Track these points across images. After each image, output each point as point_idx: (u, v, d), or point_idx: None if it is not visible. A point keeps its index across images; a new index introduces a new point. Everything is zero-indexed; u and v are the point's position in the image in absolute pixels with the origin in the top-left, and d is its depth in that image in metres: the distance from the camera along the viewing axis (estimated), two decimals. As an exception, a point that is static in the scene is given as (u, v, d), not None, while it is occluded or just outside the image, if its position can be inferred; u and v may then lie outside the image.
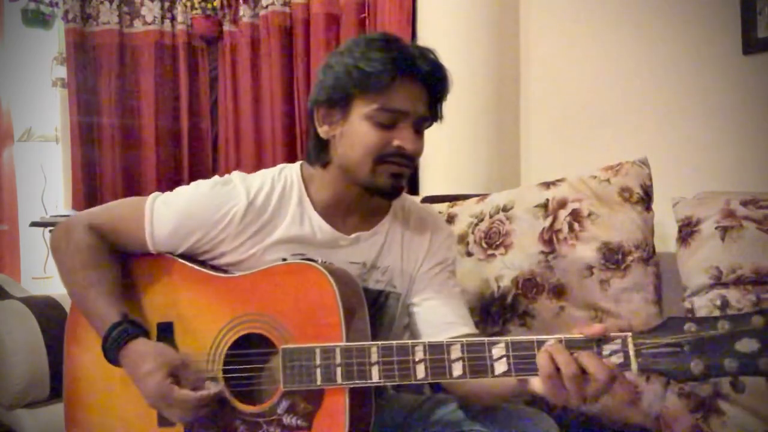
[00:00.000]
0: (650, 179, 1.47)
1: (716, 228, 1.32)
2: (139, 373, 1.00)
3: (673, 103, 1.86)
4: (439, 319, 1.13)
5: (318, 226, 1.10)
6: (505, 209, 1.56)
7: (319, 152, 1.10)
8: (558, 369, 0.80)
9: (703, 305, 1.30)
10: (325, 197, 1.11)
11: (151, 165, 3.01)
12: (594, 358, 0.79)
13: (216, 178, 1.13)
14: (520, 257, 1.50)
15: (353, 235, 1.12)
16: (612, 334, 0.80)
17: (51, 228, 2.83)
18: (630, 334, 0.80)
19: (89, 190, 3.00)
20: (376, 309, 1.13)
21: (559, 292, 1.45)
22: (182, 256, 1.11)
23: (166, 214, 1.09)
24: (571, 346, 0.81)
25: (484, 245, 1.55)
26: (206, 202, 1.08)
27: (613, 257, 1.42)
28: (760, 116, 1.69)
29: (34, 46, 3.22)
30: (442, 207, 1.69)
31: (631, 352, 0.79)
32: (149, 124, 3.02)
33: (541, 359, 0.81)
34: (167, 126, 3.03)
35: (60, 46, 3.12)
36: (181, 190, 1.13)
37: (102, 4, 3.01)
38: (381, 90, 1.01)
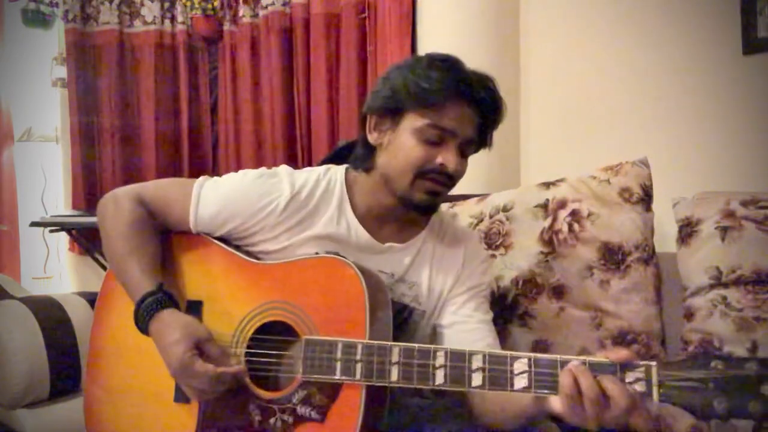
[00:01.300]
0: (650, 179, 1.47)
1: (716, 228, 1.32)
2: (166, 342, 1.01)
3: (673, 103, 1.86)
4: (467, 344, 1.10)
5: (354, 229, 1.12)
6: (505, 209, 1.56)
7: (364, 157, 1.13)
8: (580, 390, 0.79)
9: (703, 305, 1.30)
10: (365, 202, 1.14)
11: (151, 165, 3.02)
12: (617, 384, 0.79)
13: (263, 169, 1.16)
14: (520, 257, 1.50)
15: (386, 245, 1.14)
16: (637, 362, 0.80)
17: (51, 228, 2.83)
18: (655, 363, 0.79)
19: (89, 190, 3.00)
20: (398, 323, 1.13)
21: (559, 292, 1.45)
22: (219, 239, 1.14)
23: (212, 197, 1.13)
24: (594, 369, 0.81)
25: (484, 245, 1.55)
26: (251, 191, 1.11)
27: (613, 257, 1.42)
28: (760, 116, 1.69)
29: (34, 46, 3.22)
30: (443, 207, 1.69)
31: (654, 382, 0.78)
32: (149, 124, 3.02)
33: (564, 379, 0.81)
34: (167, 126, 3.03)
35: (60, 46, 3.12)
36: (229, 177, 1.16)
37: (102, 4, 3.01)
38: (433, 107, 1.04)
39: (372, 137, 1.11)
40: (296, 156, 2.81)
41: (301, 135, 2.81)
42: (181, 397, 1.07)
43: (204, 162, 3.07)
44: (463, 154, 1.09)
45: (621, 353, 0.81)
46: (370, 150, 1.12)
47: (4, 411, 1.56)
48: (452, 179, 1.08)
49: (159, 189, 1.18)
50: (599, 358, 0.82)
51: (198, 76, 3.07)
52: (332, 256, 1.06)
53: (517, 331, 1.47)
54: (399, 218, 1.15)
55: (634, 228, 1.43)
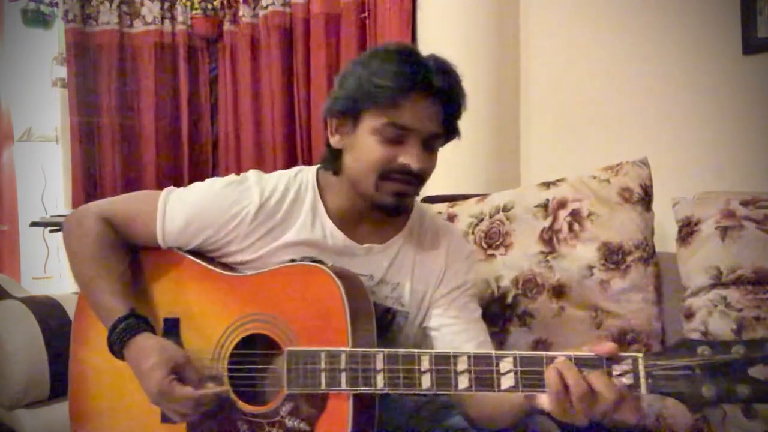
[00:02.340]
0: (650, 179, 1.47)
1: (716, 228, 1.32)
2: (142, 369, 0.99)
3: (673, 103, 1.86)
4: (458, 345, 1.10)
5: (330, 232, 1.09)
6: (505, 209, 1.56)
7: (332, 160, 1.09)
8: (567, 386, 0.78)
9: (703, 305, 1.30)
10: (339, 204, 1.10)
11: (151, 165, 3.01)
12: (603, 378, 0.78)
13: (232, 176, 1.13)
14: (520, 257, 1.50)
15: (365, 246, 1.11)
16: (623, 354, 0.79)
17: (51, 228, 2.83)
18: (641, 355, 0.78)
19: (89, 190, 3.00)
20: (383, 327, 1.11)
21: (559, 292, 1.45)
22: (192, 252, 1.11)
23: (179, 210, 1.09)
24: (580, 363, 0.80)
25: (484, 245, 1.55)
26: (219, 200, 1.08)
27: (613, 257, 1.42)
28: (760, 116, 1.69)
29: (34, 46, 3.21)
30: (442, 207, 1.69)
31: (642, 374, 0.78)
32: (149, 124, 3.01)
33: (550, 376, 0.80)
34: (167, 126, 3.03)
35: (60, 46, 3.11)
36: (196, 187, 1.13)
37: (102, 4, 3.01)
38: (390, 104, 0.99)
39: (334, 140, 1.07)
40: (296, 156, 2.81)
41: (301, 135, 2.80)
42: (167, 418, 1.04)
43: (204, 162, 3.07)
44: (430, 148, 1.04)
45: (605, 346, 0.80)
46: (336, 153, 1.08)
47: (3, 411, 1.56)
48: (419, 178, 1.04)
49: (123, 204, 1.15)
50: (585, 353, 0.81)
51: (198, 76, 3.06)
52: (308, 263, 1.04)
53: (517, 331, 1.47)
54: (376, 218, 1.11)
55: (634, 228, 1.43)
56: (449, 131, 1.07)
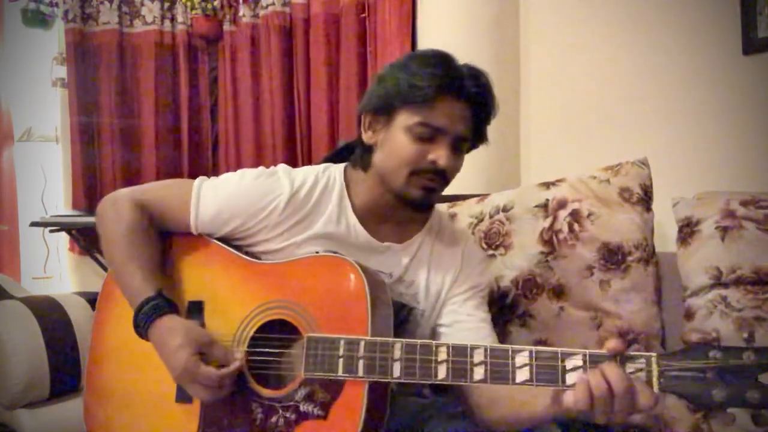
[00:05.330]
0: (650, 179, 1.47)
1: (716, 228, 1.32)
2: (168, 348, 1.01)
3: (673, 103, 1.86)
4: (470, 342, 1.12)
5: (354, 227, 1.13)
6: (505, 209, 1.56)
7: (362, 156, 1.14)
8: (611, 388, 0.79)
9: (703, 305, 1.30)
10: (364, 201, 1.14)
11: (151, 165, 3.02)
12: (615, 368, 0.79)
13: (262, 168, 1.16)
14: (520, 257, 1.50)
15: (385, 244, 1.14)
16: (637, 353, 0.81)
17: (51, 228, 2.83)
18: (655, 354, 0.80)
19: (89, 190, 3.00)
20: (397, 322, 1.13)
21: (559, 292, 1.45)
22: (220, 239, 1.14)
23: (212, 199, 1.12)
24: (595, 361, 0.82)
25: (484, 245, 1.55)
26: (251, 190, 1.12)
27: (613, 257, 1.42)
28: (760, 116, 1.69)
29: (34, 46, 3.21)
30: (442, 207, 1.69)
31: (654, 373, 0.79)
32: (149, 124, 3.02)
33: (595, 378, 0.80)
34: (167, 126, 3.03)
35: (60, 46, 3.11)
36: (228, 177, 1.16)
37: (102, 4, 3.01)
38: (424, 105, 1.04)
39: (366, 136, 1.12)
40: (296, 156, 2.81)
41: (301, 135, 2.81)
42: (182, 396, 1.06)
43: (204, 162, 3.07)
44: (458, 150, 1.09)
45: (611, 343, 0.81)
46: (367, 149, 1.12)
47: (4, 411, 1.56)
48: (446, 176, 1.09)
49: (158, 191, 1.18)
50: (599, 351, 0.82)
51: (198, 76, 3.07)
52: (333, 254, 1.07)
53: (517, 331, 1.47)
54: (397, 218, 1.15)
55: (634, 228, 1.42)
56: (477, 136, 1.12)
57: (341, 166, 1.18)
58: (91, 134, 3.02)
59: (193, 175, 2.96)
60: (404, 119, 1.06)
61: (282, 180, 1.12)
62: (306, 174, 1.14)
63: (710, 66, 1.78)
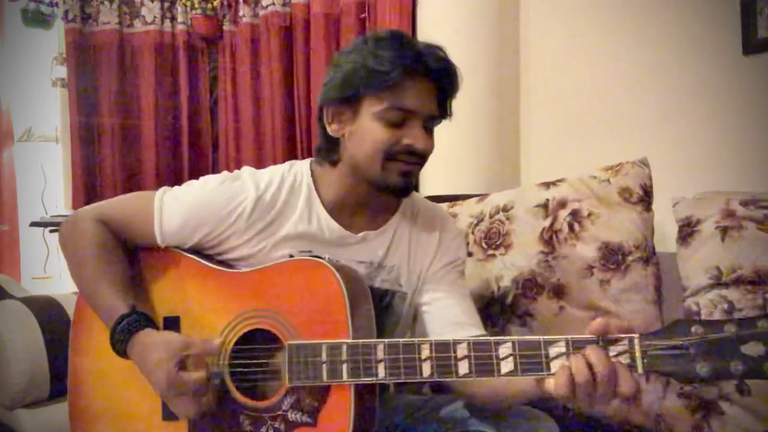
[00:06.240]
0: (650, 179, 1.47)
1: (716, 228, 1.32)
2: (149, 364, 0.99)
3: (673, 103, 1.86)
4: (450, 318, 1.12)
5: (326, 223, 1.10)
6: (505, 209, 1.56)
7: (328, 150, 1.10)
8: (593, 371, 0.78)
9: (703, 305, 1.30)
10: (334, 195, 1.11)
11: (151, 165, 3.02)
12: (597, 352, 0.79)
13: (225, 173, 1.13)
14: (520, 257, 1.50)
15: (360, 234, 1.12)
16: (619, 335, 0.80)
17: (51, 228, 2.83)
18: (637, 335, 0.80)
19: (89, 190, 3.00)
20: (381, 308, 1.13)
21: (559, 292, 1.44)
22: (190, 250, 1.11)
23: (176, 209, 1.09)
24: (578, 346, 0.81)
25: (484, 245, 1.55)
26: (215, 197, 1.08)
27: (613, 257, 1.41)
28: (760, 116, 1.69)
29: (34, 46, 3.22)
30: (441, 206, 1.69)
31: (638, 353, 0.79)
32: (149, 124, 3.02)
33: (578, 364, 0.79)
34: (167, 126, 3.03)
35: (60, 46, 3.12)
36: (190, 185, 1.13)
37: (102, 4, 3.01)
38: (390, 89, 1.01)
39: (332, 129, 1.08)
40: (296, 156, 2.81)
41: (301, 135, 2.81)
42: (169, 413, 1.04)
43: (204, 162, 3.07)
44: (430, 130, 1.07)
45: (593, 325, 0.81)
46: (333, 142, 1.09)
47: (3, 411, 1.56)
48: (422, 158, 1.06)
49: (119, 206, 1.15)
50: (582, 336, 0.82)
51: (198, 76, 3.07)
52: (307, 258, 1.05)
53: (517, 331, 1.47)
54: (370, 206, 1.13)
55: (634, 228, 1.42)
56: (444, 112, 1.10)
57: (306, 161, 1.15)
58: (91, 134, 3.02)
59: (193, 175, 2.95)
60: (371, 106, 1.03)
61: (247, 183, 1.09)
62: (272, 174, 1.11)
63: (710, 66, 1.78)
